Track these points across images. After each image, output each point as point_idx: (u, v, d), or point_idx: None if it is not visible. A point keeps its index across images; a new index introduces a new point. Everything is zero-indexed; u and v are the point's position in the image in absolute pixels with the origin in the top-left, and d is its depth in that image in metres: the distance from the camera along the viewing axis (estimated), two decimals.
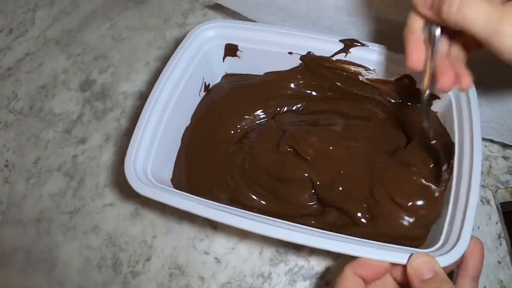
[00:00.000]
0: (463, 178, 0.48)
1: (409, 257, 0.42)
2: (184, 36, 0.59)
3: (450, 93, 0.56)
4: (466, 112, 0.52)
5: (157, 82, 0.56)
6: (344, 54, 0.59)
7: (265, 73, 0.65)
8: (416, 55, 0.45)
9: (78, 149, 0.69)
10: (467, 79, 0.44)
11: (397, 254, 0.43)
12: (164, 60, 0.75)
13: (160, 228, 0.62)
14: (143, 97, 0.73)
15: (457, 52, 0.47)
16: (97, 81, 0.76)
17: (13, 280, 0.64)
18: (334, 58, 0.60)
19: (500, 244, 0.57)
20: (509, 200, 0.61)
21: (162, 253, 0.61)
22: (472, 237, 0.45)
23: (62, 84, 0.76)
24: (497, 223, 0.58)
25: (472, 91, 0.53)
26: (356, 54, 0.59)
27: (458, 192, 0.47)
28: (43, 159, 0.70)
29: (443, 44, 0.46)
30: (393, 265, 0.43)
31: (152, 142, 0.54)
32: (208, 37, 0.62)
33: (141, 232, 0.62)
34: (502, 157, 0.62)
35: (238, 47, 0.62)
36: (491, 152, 0.62)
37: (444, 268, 0.42)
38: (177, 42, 0.75)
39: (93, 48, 0.80)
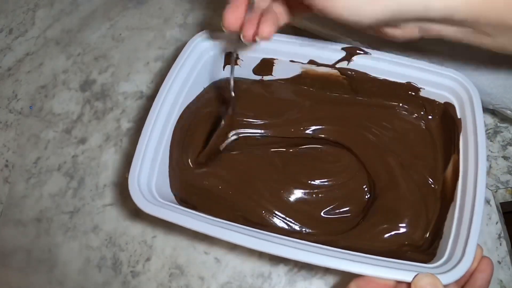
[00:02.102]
0: (467, 193, 0.48)
1: (415, 276, 0.42)
2: (184, 38, 0.59)
3: (454, 101, 0.56)
4: (471, 124, 0.53)
5: (158, 94, 0.56)
6: (347, 62, 0.59)
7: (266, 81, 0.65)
8: (234, 16, 0.46)
9: (78, 149, 0.69)
10: (266, 28, 0.46)
11: (403, 272, 0.43)
12: (164, 60, 0.75)
13: (160, 228, 0.62)
14: (143, 97, 0.73)
15: (278, 9, 0.49)
16: (97, 81, 0.76)
17: (12, 280, 0.64)
18: (336, 66, 0.60)
19: (500, 244, 0.57)
20: (509, 200, 0.61)
21: (162, 253, 0.61)
22: (484, 257, 0.45)
23: (62, 84, 0.76)
24: (497, 223, 0.58)
25: (477, 100, 0.53)
26: (359, 62, 0.59)
27: (463, 207, 0.48)
28: (43, 159, 0.70)
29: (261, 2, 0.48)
30: (398, 282, 0.43)
31: (156, 157, 0.54)
32: (207, 46, 0.61)
33: (141, 232, 0.62)
34: (502, 157, 0.62)
35: (238, 56, 0.62)
36: (491, 152, 0.62)
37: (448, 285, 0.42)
38: (177, 42, 0.76)
39: (93, 48, 0.80)
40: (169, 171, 0.57)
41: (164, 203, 0.51)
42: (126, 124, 0.70)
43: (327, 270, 0.58)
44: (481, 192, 0.47)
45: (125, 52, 0.78)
